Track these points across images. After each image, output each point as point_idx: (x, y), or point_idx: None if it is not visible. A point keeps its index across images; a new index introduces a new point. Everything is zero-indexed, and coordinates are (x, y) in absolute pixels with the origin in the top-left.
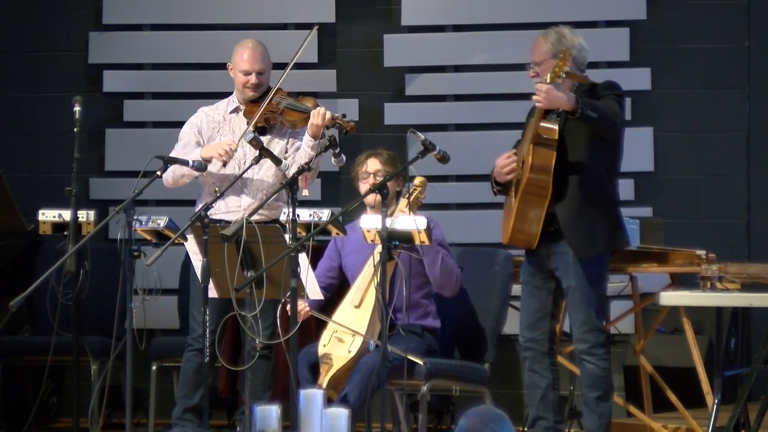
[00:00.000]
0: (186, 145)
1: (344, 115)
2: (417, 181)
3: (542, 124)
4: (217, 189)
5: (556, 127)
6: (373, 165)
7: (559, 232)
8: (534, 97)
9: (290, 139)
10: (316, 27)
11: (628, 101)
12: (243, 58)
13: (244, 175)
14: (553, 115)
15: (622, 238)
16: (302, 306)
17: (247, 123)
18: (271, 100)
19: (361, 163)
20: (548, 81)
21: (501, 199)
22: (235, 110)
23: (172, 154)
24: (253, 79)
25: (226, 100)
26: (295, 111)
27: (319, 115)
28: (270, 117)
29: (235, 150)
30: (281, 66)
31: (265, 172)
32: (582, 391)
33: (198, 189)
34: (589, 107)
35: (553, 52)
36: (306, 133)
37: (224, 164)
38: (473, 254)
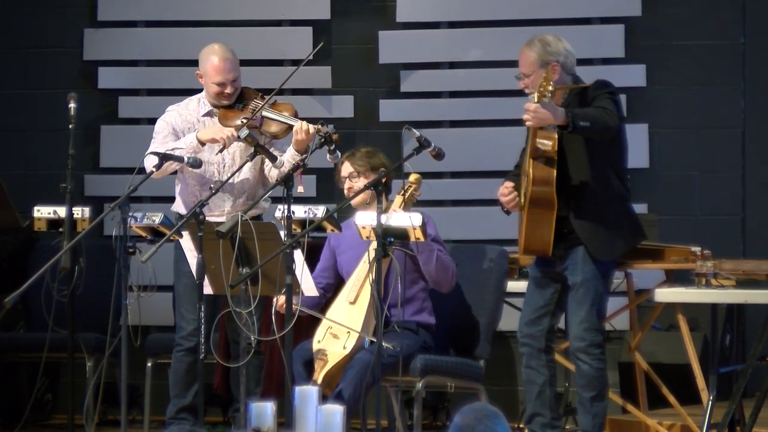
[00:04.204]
0: (167, 137)
1: (323, 124)
2: (412, 178)
3: (541, 134)
4: (212, 186)
5: (554, 136)
6: (345, 168)
7: (572, 233)
8: (523, 117)
9: (266, 141)
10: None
11: (623, 98)
12: (214, 67)
13: (224, 178)
14: (550, 126)
15: (640, 234)
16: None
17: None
18: (248, 107)
19: (338, 170)
20: (535, 100)
21: (496, 195)
22: (209, 113)
23: (152, 149)
24: (228, 89)
25: (195, 99)
26: (278, 123)
27: (302, 131)
28: (249, 125)
29: (234, 139)
30: (276, 63)
31: (247, 173)
32: (577, 390)
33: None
34: (580, 118)
35: (541, 61)
36: (291, 147)
37: (221, 149)
38: (468, 251)
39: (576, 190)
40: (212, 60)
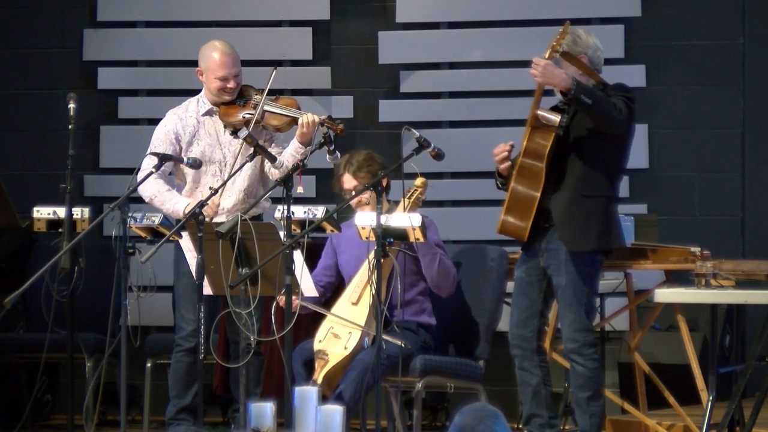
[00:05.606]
0: (165, 151)
1: (331, 117)
2: (418, 181)
3: (542, 113)
4: (210, 187)
5: (557, 117)
6: (348, 181)
7: (553, 228)
8: (531, 71)
9: (265, 138)
10: (275, 68)
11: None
12: (217, 63)
13: (226, 176)
14: (564, 114)
15: (617, 238)
16: (296, 302)
17: (225, 126)
18: (249, 103)
19: (338, 180)
20: (546, 56)
21: (496, 195)
22: (208, 113)
23: (146, 160)
24: (231, 84)
25: (194, 100)
26: (281, 116)
27: (308, 122)
28: (250, 120)
29: (218, 204)
30: (275, 63)
31: (245, 172)
32: (573, 391)
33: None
34: (584, 92)
35: (567, 32)
36: (294, 140)
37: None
38: (468, 251)
39: (566, 179)
40: (214, 55)
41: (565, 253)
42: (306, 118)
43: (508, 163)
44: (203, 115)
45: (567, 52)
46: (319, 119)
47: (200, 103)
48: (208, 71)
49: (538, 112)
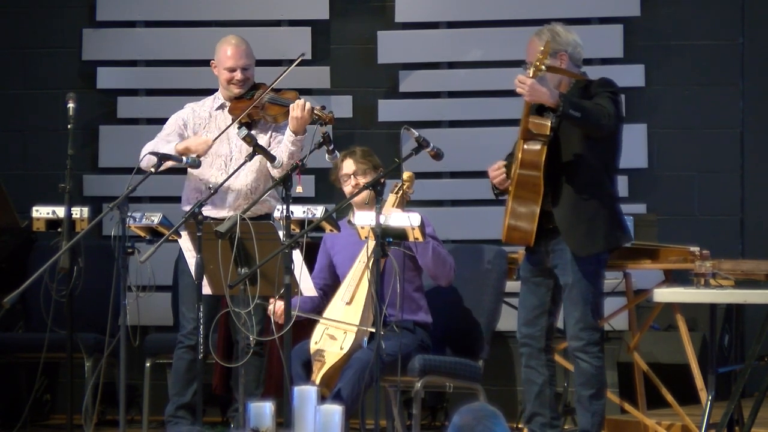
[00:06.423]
0: (168, 135)
1: (323, 107)
2: (405, 176)
3: (533, 120)
4: (210, 186)
5: (548, 123)
6: (348, 166)
7: (557, 229)
8: (518, 90)
9: (273, 134)
10: (302, 55)
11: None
12: (227, 54)
13: (230, 170)
14: (549, 112)
15: (623, 235)
16: (278, 306)
17: (233, 119)
18: (255, 96)
19: (338, 167)
20: (530, 75)
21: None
22: (221, 107)
23: (155, 141)
24: (238, 75)
25: (211, 96)
26: (276, 105)
27: (298, 107)
28: (253, 112)
29: (210, 145)
30: (275, 63)
31: (248, 168)
32: (575, 389)
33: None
34: (571, 106)
35: (548, 50)
36: (287, 128)
37: (197, 157)
38: (467, 251)
39: (565, 183)
40: (225, 47)
41: (571, 253)
42: (297, 103)
43: (503, 177)
44: (216, 109)
45: (551, 66)
46: (310, 105)
47: (215, 98)
48: (219, 63)
49: (530, 119)
